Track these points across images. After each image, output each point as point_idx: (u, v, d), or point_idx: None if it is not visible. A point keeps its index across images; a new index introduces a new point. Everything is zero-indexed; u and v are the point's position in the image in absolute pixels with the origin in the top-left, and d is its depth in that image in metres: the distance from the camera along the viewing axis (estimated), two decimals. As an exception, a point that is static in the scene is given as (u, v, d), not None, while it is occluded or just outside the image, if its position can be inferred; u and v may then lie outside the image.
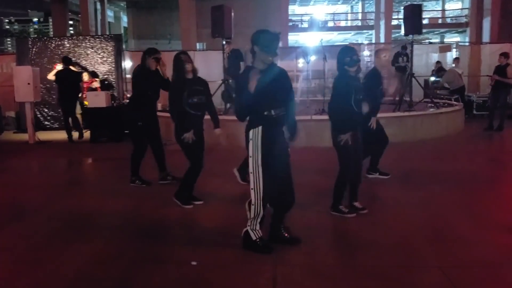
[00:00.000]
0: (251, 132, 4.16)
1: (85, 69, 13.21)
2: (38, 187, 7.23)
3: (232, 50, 12.69)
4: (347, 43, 21.28)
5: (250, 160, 4.15)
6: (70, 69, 11.98)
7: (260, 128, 4.11)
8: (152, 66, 6.41)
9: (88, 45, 13.79)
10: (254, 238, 4.29)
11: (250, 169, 4.16)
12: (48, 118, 13.90)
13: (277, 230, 4.48)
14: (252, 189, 4.15)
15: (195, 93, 5.54)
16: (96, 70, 13.38)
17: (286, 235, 4.49)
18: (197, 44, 27.92)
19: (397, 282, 3.76)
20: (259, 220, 4.27)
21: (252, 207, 4.18)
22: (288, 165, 4.35)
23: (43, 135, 11.99)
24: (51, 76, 12.27)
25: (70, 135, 11.79)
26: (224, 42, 11.87)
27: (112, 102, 12.25)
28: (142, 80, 6.51)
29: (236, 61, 12.61)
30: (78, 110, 12.74)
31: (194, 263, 4.00)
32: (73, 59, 13.33)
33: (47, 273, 4.03)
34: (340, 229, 4.89)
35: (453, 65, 16.62)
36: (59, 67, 12.07)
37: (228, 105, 11.79)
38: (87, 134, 12.02)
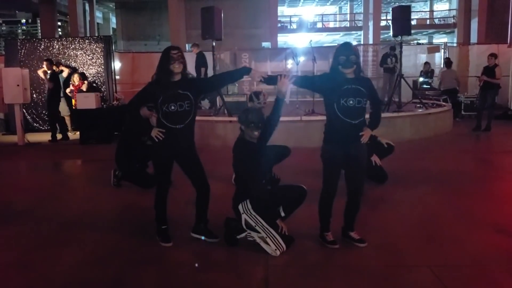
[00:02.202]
0: (240, 207, 4.40)
1: (75, 70, 13.17)
2: (27, 189, 7.21)
3: (198, 53, 12.82)
4: (336, 44, 21.33)
5: (258, 228, 4.32)
6: (55, 71, 12.11)
7: (248, 201, 4.36)
8: None
9: (77, 47, 13.72)
10: (236, 234, 4.46)
11: (264, 235, 4.30)
12: (38, 119, 13.80)
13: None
14: (275, 250, 4.26)
15: (174, 99, 4.31)
16: (85, 72, 13.35)
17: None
18: (187, 45, 27.90)
19: (388, 281, 3.81)
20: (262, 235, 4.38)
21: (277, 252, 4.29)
22: (282, 190, 4.75)
23: (32, 137, 11.92)
24: (41, 72, 12.30)
25: (54, 135, 11.85)
26: (192, 44, 12.12)
27: (102, 103, 12.24)
28: None
29: (199, 67, 12.83)
30: (66, 112, 12.72)
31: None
32: (62, 60, 13.34)
33: (38, 275, 4.03)
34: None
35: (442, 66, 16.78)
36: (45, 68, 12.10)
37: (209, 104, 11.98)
38: (76, 136, 12.03)
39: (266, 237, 4.27)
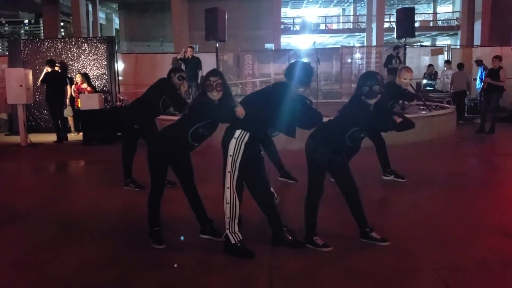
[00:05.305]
0: (237, 131, 4.25)
1: (78, 71, 13.17)
2: (30, 190, 7.19)
3: (193, 56, 12.81)
4: (339, 46, 21.35)
5: (230, 158, 4.23)
6: (56, 71, 12.06)
7: (248, 134, 4.24)
8: (177, 84, 6.37)
9: (80, 47, 13.71)
10: (233, 241, 4.28)
11: (228, 168, 4.23)
12: (41, 120, 13.78)
13: (280, 233, 4.49)
14: (228, 188, 4.21)
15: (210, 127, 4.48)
16: (88, 73, 13.32)
17: (289, 238, 4.48)
18: (195, 46, 27.92)
19: (392, 284, 3.78)
20: (236, 221, 4.28)
21: (228, 205, 4.21)
22: (264, 166, 4.58)
23: (35, 137, 11.91)
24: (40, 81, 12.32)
25: (59, 136, 11.81)
26: (190, 46, 12.09)
27: (105, 104, 12.23)
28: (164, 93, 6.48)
29: (196, 68, 12.84)
30: (69, 112, 12.71)
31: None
32: (65, 61, 13.34)
33: (41, 277, 4.01)
34: (335, 232, 4.88)
35: (445, 68, 16.74)
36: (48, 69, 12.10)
37: None
38: (79, 136, 12.04)
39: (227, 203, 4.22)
